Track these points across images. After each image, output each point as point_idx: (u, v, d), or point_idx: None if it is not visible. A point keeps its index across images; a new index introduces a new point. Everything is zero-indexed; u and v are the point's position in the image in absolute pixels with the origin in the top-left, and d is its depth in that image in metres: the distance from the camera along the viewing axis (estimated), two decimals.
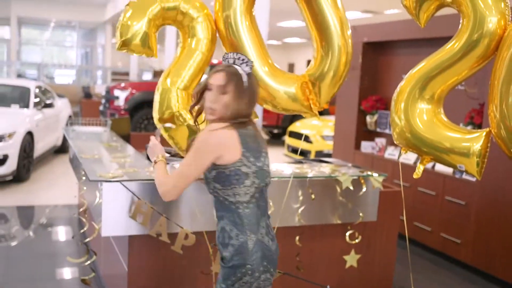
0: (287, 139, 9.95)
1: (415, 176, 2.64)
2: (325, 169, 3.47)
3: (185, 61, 2.83)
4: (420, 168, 2.64)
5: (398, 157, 2.97)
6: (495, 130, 2.40)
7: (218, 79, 2.08)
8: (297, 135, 9.59)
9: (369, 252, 3.54)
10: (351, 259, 3.20)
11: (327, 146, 8.85)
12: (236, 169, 2.02)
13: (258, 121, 6.92)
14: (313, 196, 3.12)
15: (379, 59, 6.21)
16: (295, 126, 9.95)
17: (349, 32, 2.88)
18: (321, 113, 11.13)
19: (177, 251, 2.67)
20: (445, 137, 2.53)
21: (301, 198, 3.12)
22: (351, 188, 3.15)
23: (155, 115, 2.82)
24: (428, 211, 5.09)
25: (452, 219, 4.81)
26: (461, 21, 2.46)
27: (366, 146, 6.12)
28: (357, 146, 6.26)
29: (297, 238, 3.14)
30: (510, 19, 2.36)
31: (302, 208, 3.13)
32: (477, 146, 2.43)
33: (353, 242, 3.27)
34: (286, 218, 3.09)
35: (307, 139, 9.13)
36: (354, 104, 6.29)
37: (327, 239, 3.37)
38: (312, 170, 3.37)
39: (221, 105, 2.07)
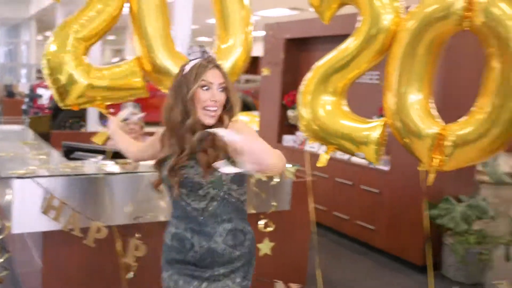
0: None
1: (319, 164, 2.77)
2: None
3: (87, 11, 2.84)
4: (324, 157, 2.78)
5: (305, 146, 3.10)
6: (390, 121, 2.57)
7: (216, 76, 1.94)
8: None
9: (283, 241, 3.67)
10: (265, 247, 3.31)
11: None
12: None
13: None
14: None
15: (301, 55, 6.38)
16: None
17: (251, 28, 2.94)
18: (249, 108, 11.22)
19: (90, 245, 2.69)
20: (347, 127, 2.68)
21: None
22: (264, 178, 3.26)
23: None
24: (345, 200, 5.31)
25: (367, 207, 5.04)
26: (359, 18, 2.62)
27: (288, 140, 6.29)
28: (280, 140, 6.41)
29: None
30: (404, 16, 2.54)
31: None
32: (374, 134, 2.59)
33: (267, 230, 3.38)
34: None
35: None
36: (277, 99, 6.44)
37: None
38: None
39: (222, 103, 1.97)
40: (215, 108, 1.92)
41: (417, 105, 2.46)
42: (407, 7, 2.54)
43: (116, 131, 2.59)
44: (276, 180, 3.38)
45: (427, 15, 2.38)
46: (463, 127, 2.38)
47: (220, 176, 1.89)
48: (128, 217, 3.01)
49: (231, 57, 2.93)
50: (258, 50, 7.08)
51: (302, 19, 6.44)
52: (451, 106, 3.58)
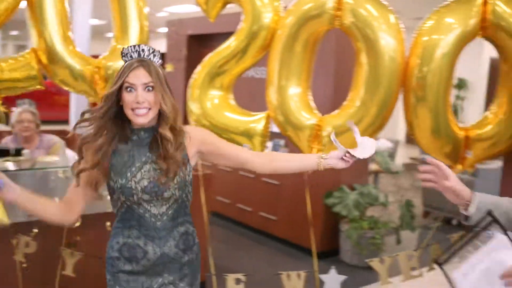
0: None
1: None
2: None
3: None
4: None
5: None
6: (273, 115, 2.72)
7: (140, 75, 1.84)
8: None
9: None
10: None
11: None
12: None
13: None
14: None
15: (204, 51, 6.40)
16: None
17: (146, 24, 2.95)
18: None
19: None
20: (234, 121, 2.81)
21: None
22: None
23: None
24: (248, 192, 5.47)
25: (269, 199, 5.22)
26: (243, 17, 2.75)
27: None
28: None
29: (108, 223, 3.25)
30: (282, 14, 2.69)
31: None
32: (259, 126, 2.74)
33: None
34: (96, 205, 3.20)
35: None
36: (181, 95, 6.47)
37: None
38: None
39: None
40: (143, 111, 1.83)
41: (296, 98, 2.62)
42: (285, 7, 2.69)
43: (20, 195, 1.88)
44: None
45: (303, 13, 2.55)
46: (337, 118, 2.57)
47: (184, 178, 1.89)
48: (23, 214, 2.98)
49: None
50: (163, 47, 7.10)
51: (203, 15, 6.51)
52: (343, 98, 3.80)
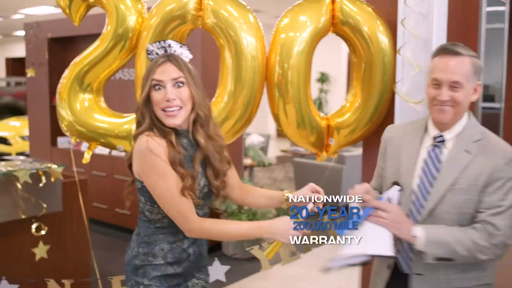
0: None
1: (84, 161, 2.86)
2: (1, 167, 3.46)
3: None
4: (88, 154, 2.87)
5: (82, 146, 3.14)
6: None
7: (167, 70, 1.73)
8: None
9: (60, 242, 3.67)
10: (40, 250, 3.28)
11: (28, 146, 8.55)
12: None
13: None
14: None
15: (67, 54, 6.25)
16: None
17: None
18: (22, 112, 10.51)
19: None
20: (107, 123, 2.81)
21: None
22: (30, 181, 3.22)
23: None
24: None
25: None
26: (107, 20, 2.75)
27: (63, 142, 6.16)
28: (54, 143, 6.25)
29: None
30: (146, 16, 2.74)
31: None
32: (133, 127, 2.76)
33: (40, 234, 3.36)
34: None
35: (5, 141, 8.68)
36: (46, 101, 6.24)
37: (14, 236, 3.40)
38: None
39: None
40: (174, 108, 1.71)
41: None
42: (148, 8, 2.74)
43: None
44: (43, 182, 3.36)
45: (166, 14, 2.61)
46: None
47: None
48: None
49: None
50: (23, 51, 6.76)
51: (64, 17, 6.31)
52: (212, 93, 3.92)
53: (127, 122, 2.78)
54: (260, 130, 10.51)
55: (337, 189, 6.38)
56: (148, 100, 1.73)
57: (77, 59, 2.83)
